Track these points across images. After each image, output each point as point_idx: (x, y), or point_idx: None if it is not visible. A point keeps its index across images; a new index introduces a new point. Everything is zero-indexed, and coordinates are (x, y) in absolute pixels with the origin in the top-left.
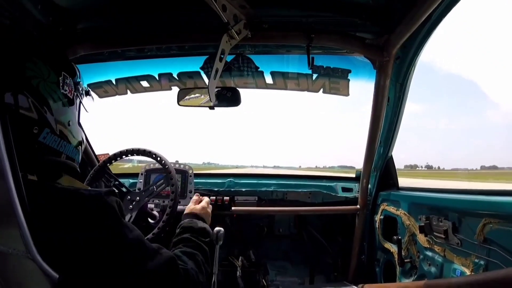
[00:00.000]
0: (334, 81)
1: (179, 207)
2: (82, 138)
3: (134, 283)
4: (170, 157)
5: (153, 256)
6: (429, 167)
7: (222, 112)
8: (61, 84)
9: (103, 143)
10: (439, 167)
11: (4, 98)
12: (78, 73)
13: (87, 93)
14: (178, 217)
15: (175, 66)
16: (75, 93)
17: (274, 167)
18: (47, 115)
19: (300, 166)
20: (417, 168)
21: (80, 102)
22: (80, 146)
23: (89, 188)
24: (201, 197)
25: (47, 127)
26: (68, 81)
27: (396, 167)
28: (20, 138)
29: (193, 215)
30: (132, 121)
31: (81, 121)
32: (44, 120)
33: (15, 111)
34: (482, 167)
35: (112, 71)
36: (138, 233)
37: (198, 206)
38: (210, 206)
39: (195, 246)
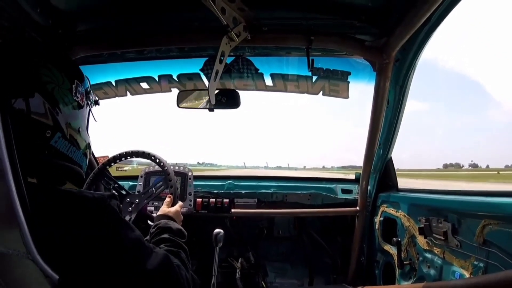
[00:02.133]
0: (334, 83)
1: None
2: (89, 144)
3: (134, 282)
4: (174, 159)
5: (150, 255)
6: (474, 166)
7: (226, 113)
8: (74, 91)
9: (101, 145)
10: (487, 166)
11: (6, 101)
12: (88, 82)
13: (96, 102)
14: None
15: (175, 67)
16: (86, 101)
17: (277, 167)
18: (59, 120)
19: (304, 167)
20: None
21: (90, 110)
22: (87, 151)
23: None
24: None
25: (59, 131)
26: (81, 89)
27: (436, 166)
28: (31, 141)
29: (168, 217)
30: (131, 121)
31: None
32: (57, 124)
33: (27, 115)
34: None
35: (112, 73)
36: (139, 233)
37: (172, 209)
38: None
39: (176, 245)
